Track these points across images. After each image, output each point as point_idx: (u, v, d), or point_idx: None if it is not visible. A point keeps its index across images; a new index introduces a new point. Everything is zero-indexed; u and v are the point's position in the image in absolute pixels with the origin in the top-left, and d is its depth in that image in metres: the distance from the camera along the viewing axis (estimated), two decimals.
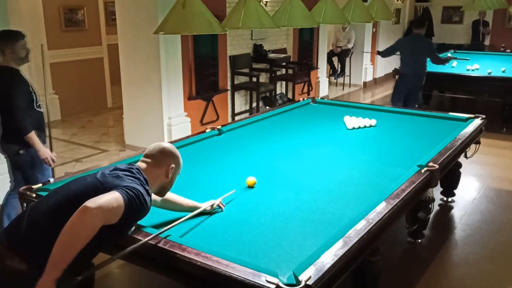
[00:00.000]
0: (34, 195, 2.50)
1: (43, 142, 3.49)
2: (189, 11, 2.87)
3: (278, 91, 7.91)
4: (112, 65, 7.85)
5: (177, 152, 2.19)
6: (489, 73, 6.81)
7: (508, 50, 11.16)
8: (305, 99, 5.07)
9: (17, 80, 3.31)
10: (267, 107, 7.40)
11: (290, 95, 8.10)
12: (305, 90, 8.40)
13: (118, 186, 1.84)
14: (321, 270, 1.80)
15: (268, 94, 7.64)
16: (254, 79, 7.02)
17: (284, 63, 7.72)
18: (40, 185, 2.61)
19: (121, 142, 6.21)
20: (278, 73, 7.80)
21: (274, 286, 1.70)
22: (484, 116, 4.16)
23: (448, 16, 12.65)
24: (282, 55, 7.66)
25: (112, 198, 1.75)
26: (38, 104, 3.46)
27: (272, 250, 2.06)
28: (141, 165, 2.10)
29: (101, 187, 1.86)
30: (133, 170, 2.00)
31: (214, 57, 6.39)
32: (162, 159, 2.11)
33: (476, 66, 7.24)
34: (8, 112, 3.29)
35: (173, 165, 2.13)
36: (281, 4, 3.84)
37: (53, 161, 3.50)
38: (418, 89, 6.64)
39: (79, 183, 1.96)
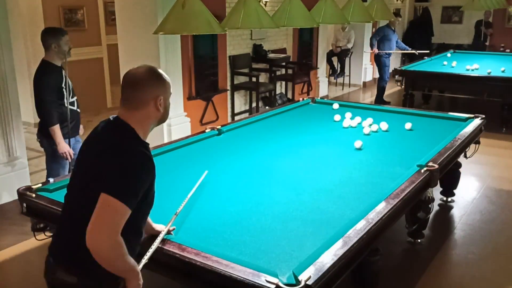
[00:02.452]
0: (33, 195, 2.50)
1: (64, 137, 3.63)
2: (189, 11, 2.87)
3: (277, 91, 7.91)
4: (111, 65, 7.85)
5: (160, 76, 1.76)
6: (489, 73, 6.81)
7: (508, 50, 11.17)
8: (304, 99, 5.07)
9: (47, 74, 3.55)
10: (267, 107, 7.40)
11: (289, 95, 8.10)
12: (305, 90, 8.41)
13: (103, 186, 1.60)
14: (320, 270, 1.80)
15: (267, 94, 7.64)
16: (254, 79, 7.02)
17: (283, 63, 7.72)
18: (39, 185, 2.61)
19: None
20: (278, 73, 7.80)
21: (274, 286, 1.70)
22: (483, 116, 4.16)
23: (448, 16, 12.66)
24: (282, 55, 7.66)
25: (107, 213, 1.57)
26: (69, 102, 3.64)
27: (272, 250, 2.06)
28: (123, 114, 1.74)
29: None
30: (115, 137, 1.71)
31: (213, 57, 6.39)
32: (144, 97, 1.72)
33: (476, 66, 7.25)
34: (38, 104, 3.54)
35: (161, 97, 1.74)
36: (280, 4, 3.84)
37: (71, 156, 3.64)
38: (378, 66, 8.35)
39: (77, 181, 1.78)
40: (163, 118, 1.81)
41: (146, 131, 1.77)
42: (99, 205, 1.57)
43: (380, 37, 8.18)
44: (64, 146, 3.60)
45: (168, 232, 2.07)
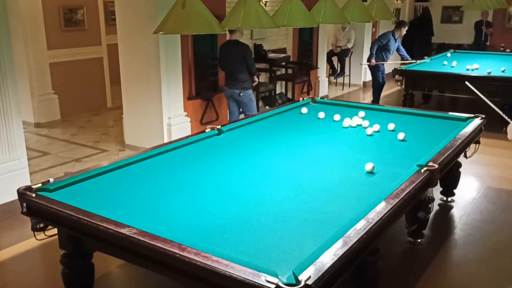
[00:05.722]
0: (33, 195, 2.50)
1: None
2: (189, 11, 2.88)
3: (277, 91, 7.92)
4: (112, 65, 7.85)
5: None
6: (489, 73, 6.81)
7: (508, 50, 11.17)
8: (304, 99, 5.07)
9: (249, 47, 5.78)
10: (267, 107, 7.41)
11: (289, 95, 8.10)
12: (305, 90, 8.41)
13: None
14: (320, 270, 1.80)
15: (267, 94, 7.64)
16: None
17: (283, 63, 7.73)
18: (39, 185, 2.61)
19: (120, 142, 6.21)
20: (278, 73, 7.81)
21: (274, 286, 1.70)
22: (483, 116, 4.16)
23: (448, 16, 12.67)
24: (282, 55, 7.67)
25: None
26: None
27: (272, 250, 2.06)
28: None
29: None
30: None
31: (213, 57, 6.39)
32: None
33: (476, 66, 7.25)
34: (246, 66, 5.61)
35: None
36: (281, 4, 3.85)
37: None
38: (371, 70, 8.19)
39: None
40: None
41: None
42: None
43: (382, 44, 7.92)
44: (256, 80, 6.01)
45: None
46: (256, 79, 5.96)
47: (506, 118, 3.81)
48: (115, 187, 2.77)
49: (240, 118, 5.27)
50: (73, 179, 2.77)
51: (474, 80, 6.78)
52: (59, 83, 7.27)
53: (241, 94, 5.65)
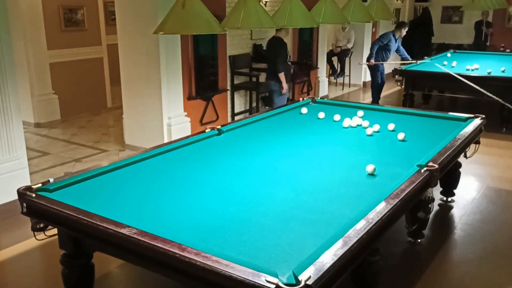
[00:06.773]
0: (33, 195, 2.50)
1: (287, 81, 6.45)
2: (189, 11, 2.88)
3: None
4: (112, 65, 7.85)
5: None
6: (489, 73, 6.81)
7: (508, 50, 11.17)
8: (304, 99, 5.07)
9: (282, 44, 6.30)
10: (267, 107, 7.40)
11: (290, 95, 8.10)
12: (305, 90, 8.41)
13: None
14: (320, 270, 1.80)
15: (267, 94, 7.63)
16: (254, 79, 7.03)
17: None
18: (39, 185, 2.61)
19: (120, 142, 6.21)
20: None
21: (274, 286, 1.70)
22: (483, 116, 4.16)
23: (448, 16, 12.67)
24: None
25: None
26: (289, 61, 6.50)
27: (272, 250, 2.06)
28: None
29: None
30: None
31: (213, 57, 6.39)
32: None
33: (476, 66, 7.25)
34: (274, 61, 6.24)
35: None
36: (281, 4, 3.84)
37: (287, 91, 6.55)
38: (370, 70, 8.27)
39: None
40: None
41: None
42: None
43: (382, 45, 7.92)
44: (286, 85, 6.34)
45: None
46: (283, 85, 6.28)
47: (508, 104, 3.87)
48: (115, 187, 2.77)
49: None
50: (73, 179, 2.77)
51: (474, 80, 6.79)
52: (59, 83, 7.28)
53: (275, 85, 6.36)
